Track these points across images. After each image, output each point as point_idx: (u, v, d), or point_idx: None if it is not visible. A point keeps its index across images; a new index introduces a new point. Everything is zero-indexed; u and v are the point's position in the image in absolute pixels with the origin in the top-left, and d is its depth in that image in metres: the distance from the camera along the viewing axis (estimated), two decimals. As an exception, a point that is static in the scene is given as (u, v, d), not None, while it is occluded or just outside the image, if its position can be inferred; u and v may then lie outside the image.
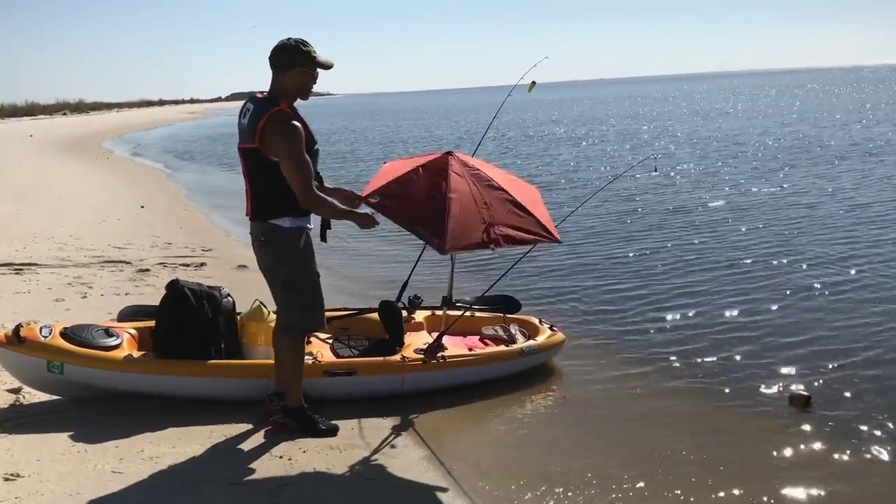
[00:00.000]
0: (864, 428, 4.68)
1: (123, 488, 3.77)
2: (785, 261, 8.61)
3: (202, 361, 4.79)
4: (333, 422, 4.60)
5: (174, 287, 4.94)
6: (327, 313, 4.77)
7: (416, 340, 5.34)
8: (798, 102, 47.48)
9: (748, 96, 63.38)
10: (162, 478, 3.91)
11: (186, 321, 4.83)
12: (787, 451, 4.43)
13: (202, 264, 8.86)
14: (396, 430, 4.66)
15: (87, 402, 4.76)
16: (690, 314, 6.95)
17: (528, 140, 28.39)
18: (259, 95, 4.31)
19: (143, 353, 4.85)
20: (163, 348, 4.86)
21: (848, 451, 4.41)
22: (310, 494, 3.86)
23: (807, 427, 4.72)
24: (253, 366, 4.89)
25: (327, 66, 4.35)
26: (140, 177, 19.98)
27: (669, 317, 6.90)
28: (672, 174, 16.53)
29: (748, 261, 8.71)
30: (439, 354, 5.14)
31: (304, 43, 4.26)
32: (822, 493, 4.01)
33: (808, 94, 59.81)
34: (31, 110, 70.07)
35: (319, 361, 4.96)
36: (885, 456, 4.35)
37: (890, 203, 11.82)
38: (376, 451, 4.37)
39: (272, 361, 4.75)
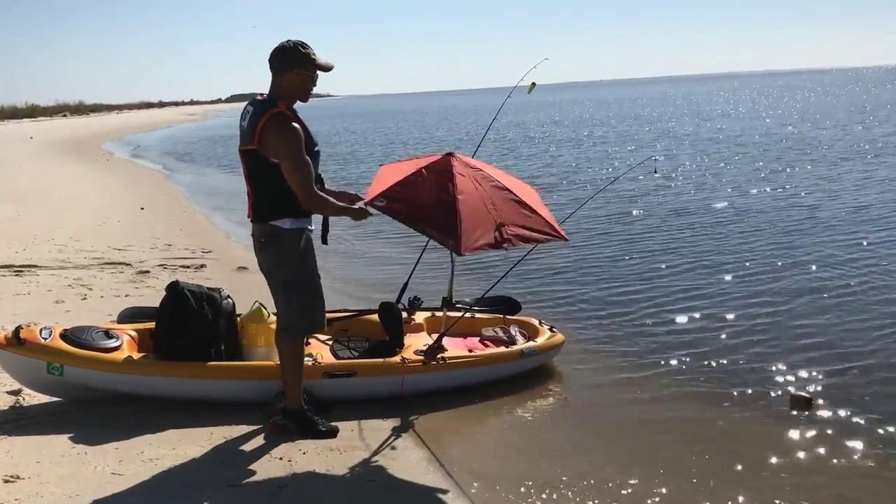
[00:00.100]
0: (866, 430, 4.67)
1: (123, 490, 3.77)
2: (787, 263, 8.59)
3: (202, 363, 4.79)
4: (333, 423, 4.60)
5: (174, 289, 4.94)
6: (327, 315, 4.77)
7: (416, 342, 5.34)
8: (799, 104, 47.48)
9: (749, 97, 63.39)
10: (162, 479, 3.91)
11: (186, 323, 4.83)
12: (789, 453, 4.42)
13: (202, 266, 8.86)
14: (396, 432, 4.66)
15: (86, 404, 4.76)
16: (691, 315, 6.94)
17: (528, 141, 28.40)
18: (259, 98, 4.33)
19: (143, 354, 4.85)
20: (163, 350, 4.86)
21: (849, 453, 4.40)
22: (310, 496, 3.86)
23: (808, 428, 4.72)
24: (253, 367, 4.89)
25: (327, 69, 4.36)
26: (140, 178, 19.99)
27: (670, 318, 6.90)
28: (673, 176, 16.52)
29: (749, 262, 8.70)
30: (439, 356, 5.14)
31: (303, 45, 4.26)
32: (823, 494, 4.00)
33: (809, 96, 59.84)
34: (32, 112, 70.17)
35: (319, 363, 4.96)
36: (886, 457, 4.34)
37: (893, 205, 11.78)
38: (376, 452, 4.37)
39: (272, 363, 4.76)
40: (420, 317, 5.81)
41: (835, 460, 4.34)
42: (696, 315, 6.95)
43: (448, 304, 5.65)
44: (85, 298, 7.25)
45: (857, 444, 4.49)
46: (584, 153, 22.91)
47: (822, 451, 4.45)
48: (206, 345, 4.87)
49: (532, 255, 6.71)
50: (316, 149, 4.37)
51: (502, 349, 5.56)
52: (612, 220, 11.85)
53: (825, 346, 6.05)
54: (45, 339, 4.60)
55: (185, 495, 3.77)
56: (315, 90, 4.45)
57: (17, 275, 8.13)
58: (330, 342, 5.43)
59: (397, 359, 5.09)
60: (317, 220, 4.53)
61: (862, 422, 4.77)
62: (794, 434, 4.66)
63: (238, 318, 5.14)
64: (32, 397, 4.84)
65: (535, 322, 6.02)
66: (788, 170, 16.57)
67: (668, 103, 60.69)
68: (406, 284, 5.97)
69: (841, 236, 9.84)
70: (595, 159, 20.95)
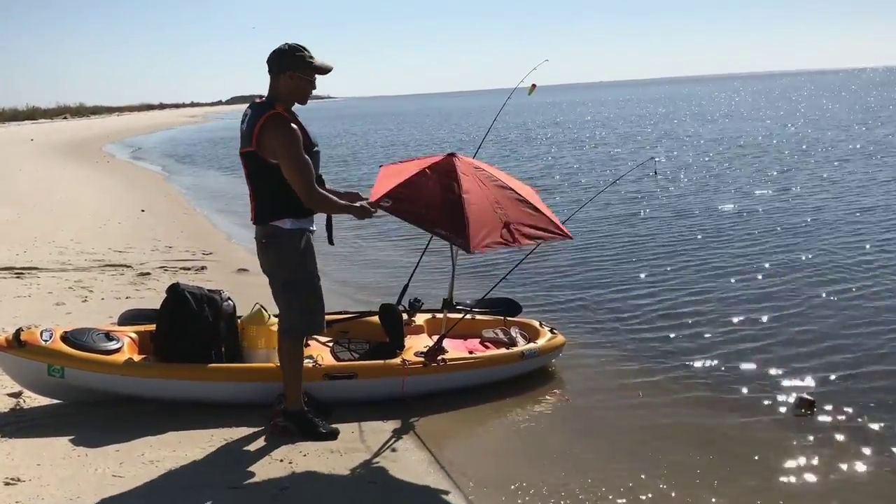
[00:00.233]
0: (870, 431, 4.67)
1: (124, 492, 3.77)
2: (790, 265, 8.57)
3: (203, 365, 4.79)
4: (334, 425, 4.60)
5: (174, 291, 4.94)
6: (327, 316, 4.77)
7: (417, 343, 5.34)
8: (800, 105, 47.45)
9: (750, 99, 63.37)
10: (162, 482, 3.91)
11: (187, 325, 4.83)
12: (792, 455, 4.41)
13: (203, 268, 8.86)
14: (397, 434, 4.66)
15: (87, 406, 4.75)
16: (692, 317, 6.93)
17: (529, 143, 28.43)
18: (258, 100, 4.35)
19: (143, 356, 4.85)
20: (163, 352, 4.86)
21: (853, 455, 4.40)
22: (310, 498, 3.86)
23: (811, 430, 4.71)
24: (253, 369, 4.88)
25: (324, 70, 4.36)
26: (141, 180, 20.01)
27: (671, 320, 6.89)
28: (675, 177, 16.50)
29: (752, 264, 8.69)
30: (440, 357, 5.14)
31: (298, 48, 4.29)
32: (825, 496, 4.00)
33: (810, 97, 59.81)
34: (32, 114, 70.22)
35: (320, 365, 4.96)
36: (890, 459, 4.34)
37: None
38: (377, 454, 4.37)
39: (273, 365, 4.77)
40: (420, 318, 5.81)
41: (838, 462, 4.33)
42: (698, 316, 6.94)
43: (448, 305, 5.65)
44: (85, 300, 7.25)
45: (861, 446, 4.49)
46: (585, 154, 22.92)
47: (825, 452, 4.44)
48: (207, 347, 4.87)
49: (532, 256, 6.72)
50: (315, 149, 4.39)
51: (503, 351, 5.56)
52: (613, 221, 11.85)
53: (828, 349, 6.04)
54: (46, 341, 4.60)
55: (186, 497, 3.77)
56: (315, 92, 4.47)
57: (17, 277, 8.13)
58: (330, 344, 5.43)
59: (398, 360, 5.09)
60: (320, 221, 4.54)
61: (866, 424, 4.77)
62: (797, 436, 4.66)
63: (239, 320, 5.14)
64: (33, 399, 4.84)
65: (536, 324, 6.02)
66: (790, 171, 16.56)
67: (669, 104, 60.71)
68: (406, 286, 5.98)
69: (844, 238, 9.80)
70: (597, 161, 20.94)
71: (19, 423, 4.53)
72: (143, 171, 23.46)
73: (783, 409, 5.03)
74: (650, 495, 3.99)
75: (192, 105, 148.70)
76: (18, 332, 4.62)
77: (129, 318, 5.37)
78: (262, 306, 5.09)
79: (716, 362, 5.86)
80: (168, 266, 8.90)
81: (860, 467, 4.27)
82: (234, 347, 5.03)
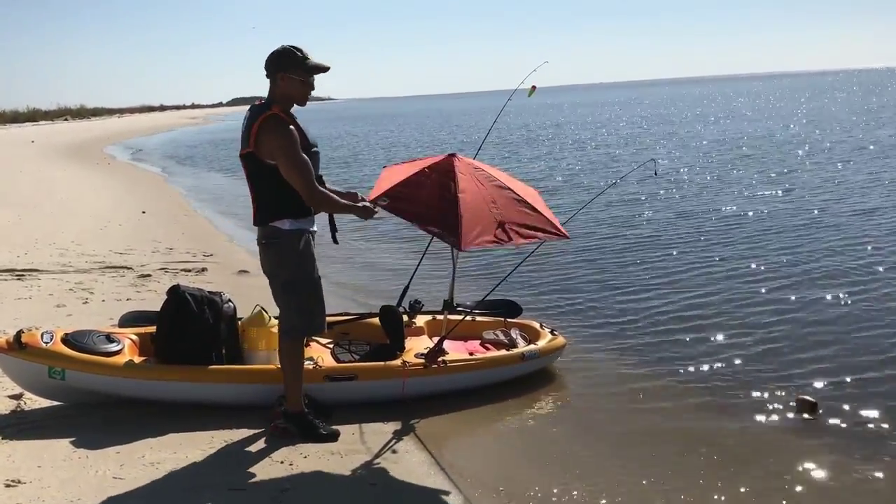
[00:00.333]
0: (873, 433, 4.67)
1: (124, 494, 3.77)
2: (792, 266, 8.55)
3: (203, 367, 4.79)
4: (334, 427, 4.61)
5: (175, 292, 4.94)
6: (328, 318, 4.78)
7: (417, 345, 5.34)
8: (801, 106, 47.43)
9: (751, 100, 63.34)
10: (163, 483, 3.91)
11: (187, 327, 4.83)
12: (794, 457, 4.40)
13: (203, 269, 8.87)
14: (397, 435, 4.66)
15: (88, 408, 4.76)
16: (694, 318, 6.93)
17: (530, 144, 28.44)
18: (258, 103, 4.36)
19: (144, 358, 4.85)
20: (164, 354, 4.86)
21: (855, 457, 4.39)
22: (311, 499, 3.86)
23: (813, 432, 4.71)
24: (254, 371, 4.89)
25: (317, 70, 4.35)
26: (141, 182, 20.01)
27: (672, 321, 6.89)
28: (677, 178, 16.49)
29: (755, 266, 8.67)
30: (440, 359, 5.14)
31: (291, 50, 4.30)
32: (827, 498, 4.00)
33: (811, 97, 59.78)
34: (33, 116, 70.26)
35: (320, 366, 4.96)
36: (890, 461, 4.33)
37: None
38: (377, 455, 4.37)
39: (273, 366, 4.77)
40: (421, 320, 5.81)
41: (841, 464, 4.32)
42: (700, 317, 6.94)
43: (449, 307, 5.66)
44: (86, 302, 7.25)
45: (864, 449, 4.48)
46: (587, 156, 22.91)
47: (827, 454, 4.44)
48: (207, 348, 4.87)
49: (533, 258, 6.72)
50: (314, 150, 4.40)
51: (503, 352, 5.56)
52: (614, 222, 11.84)
53: (831, 351, 6.02)
54: (47, 343, 4.61)
55: (187, 499, 3.78)
56: (315, 93, 4.48)
57: (18, 279, 8.14)
58: (331, 346, 5.43)
59: (398, 362, 5.09)
60: (322, 223, 4.55)
61: (869, 426, 4.77)
62: (799, 437, 4.66)
63: (239, 322, 5.14)
64: (34, 401, 4.84)
65: (536, 325, 6.02)
66: (793, 172, 16.52)
67: (670, 105, 60.72)
68: (407, 288, 5.98)
69: (847, 240, 9.75)
70: (598, 162, 20.92)
71: (20, 425, 4.53)
72: (144, 173, 23.47)
73: (786, 411, 5.02)
74: (651, 497, 3.99)
75: (193, 107, 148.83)
76: (19, 333, 4.63)
77: (129, 319, 5.38)
78: (263, 308, 5.10)
79: (717, 363, 5.85)
80: (169, 268, 8.90)
81: (862, 469, 4.26)
82: (234, 349, 5.03)
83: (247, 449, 4.36)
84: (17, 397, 4.88)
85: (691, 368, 5.80)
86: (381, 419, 4.85)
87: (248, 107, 4.47)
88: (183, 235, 11.31)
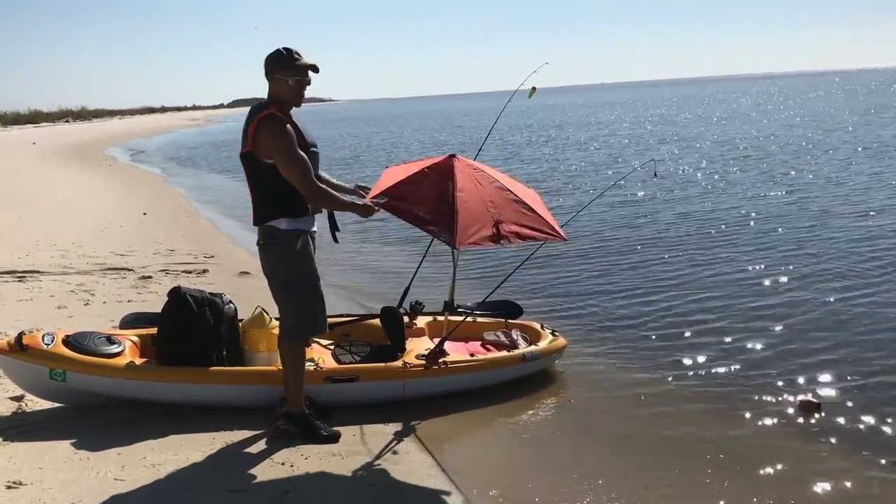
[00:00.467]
0: (875, 434, 4.66)
1: (125, 495, 3.78)
2: (797, 267, 8.51)
3: (204, 368, 4.80)
4: (335, 428, 4.61)
5: (176, 294, 4.95)
6: (329, 319, 4.78)
7: (418, 346, 5.34)
8: (803, 106, 47.41)
9: (752, 100, 63.31)
10: (164, 485, 3.92)
11: (188, 328, 4.83)
12: (796, 458, 4.39)
13: (204, 271, 8.87)
14: (398, 436, 4.66)
15: (89, 410, 4.76)
16: (695, 319, 6.92)
17: (531, 145, 28.44)
18: (257, 104, 4.40)
19: (145, 360, 4.85)
20: (165, 355, 4.87)
21: (857, 458, 4.38)
22: (311, 500, 3.86)
23: (816, 433, 4.70)
24: (254, 372, 4.89)
25: (305, 68, 4.35)
26: (143, 183, 20.03)
27: (674, 321, 6.88)
28: (679, 179, 16.47)
29: (756, 266, 8.66)
30: (441, 360, 5.14)
31: (282, 51, 4.35)
32: (827, 497, 4.00)
33: (812, 98, 59.77)
34: (34, 118, 70.36)
35: (321, 367, 4.96)
36: (892, 463, 4.33)
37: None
38: (378, 457, 4.37)
39: (274, 368, 4.78)
40: (422, 321, 5.81)
41: (843, 465, 4.31)
42: (701, 319, 6.93)
43: (450, 308, 5.66)
44: (87, 304, 7.26)
45: (866, 449, 4.47)
46: (588, 156, 22.89)
47: (829, 454, 4.44)
48: (208, 350, 4.88)
49: (533, 259, 6.72)
50: (312, 150, 4.42)
51: (504, 353, 5.56)
52: (615, 223, 11.83)
53: (833, 352, 6.00)
54: (48, 344, 4.61)
55: (187, 500, 3.78)
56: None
57: (19, 280, 8.15)
58: (332, 347, 5.44)
59: (399, 363, 5.09)
60: (322, 220, 4.55)
61: (872, 427, 4.75)
62: (801, 439, 4.65)
63: (240, 323, 5.15)
64: (35, 403, 4.85)
65: (537, 326, 6.02)
66: (795, 173, 16.48)
67: (672, 106, 60.69)
68: (408, 289, 5.98)
69: (850, 241, 9.70)
70: (600, 163, 20.89)
71: (21, 427, 4.54)
72: (145, 174, 23.49)
73: (788, 412, 5.01)
74: (652, 499, 3.99)
75: (194, 108, 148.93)
76: (20, 335, 4.63)
77: (130, 321, 5.38)
78: (264, 309, 5.10)
79: (718, 364, 5.85)
80: (170, 269, 8.91)
81: (864, 470, 4.26)
82: (235, 350, 5.04)
83: (248, 450, 4.36)
84: (19, 399, 4.89)
85: (692, 369, 5.80)
86: (382, 420, 4.85)
87: (248, 108, 4.50)
88: (184, 237, 11.32)
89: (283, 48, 4.37)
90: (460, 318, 5.67)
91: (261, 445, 4.42)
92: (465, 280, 7.73)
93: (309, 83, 4.39)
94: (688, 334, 6.55)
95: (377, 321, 5.60)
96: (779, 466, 4.31)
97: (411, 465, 4.33)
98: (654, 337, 6.54)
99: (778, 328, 6.60)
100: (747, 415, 5.01)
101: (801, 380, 5.50)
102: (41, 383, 4.64)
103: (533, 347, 5.65)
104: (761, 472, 4.25)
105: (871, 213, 11.47)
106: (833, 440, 4.62)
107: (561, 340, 5.89)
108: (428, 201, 4.85)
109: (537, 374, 5.67)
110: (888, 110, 36.76)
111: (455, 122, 55.74)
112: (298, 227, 4.36)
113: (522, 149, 26.83)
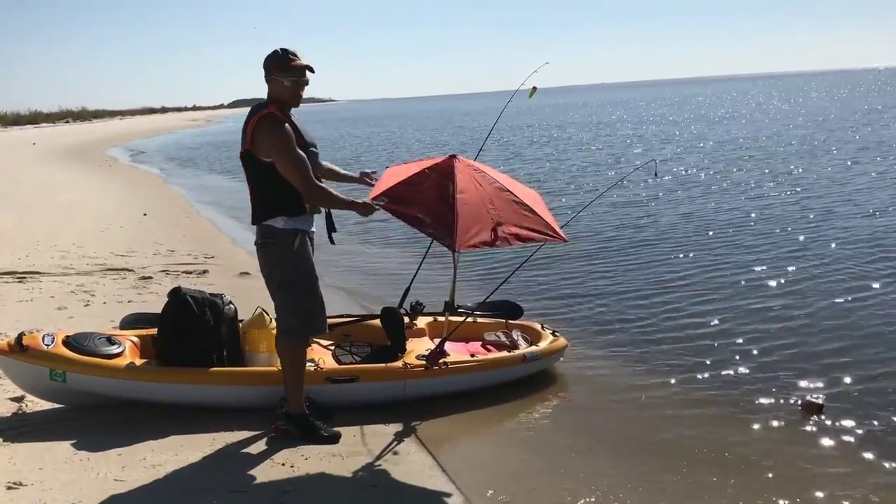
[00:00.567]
0: (878, 435, 4.65)
1: (125, 496, 3.78)
2: (796, 268, 8.48)
3: (204, 369, 4.79)
4: (335, 428, 4.60)
5: (176, 295, 4.95)
6: (329, 320, 4.77)
7: (418, 347, 5.34)
8: (804, 106, 47.38)
9: (753, 100, 63.29)
10: (164, 485, 3.92)
11: (188, 329, 4.83)
12: (798, 458, 4.39)
13: (205, 272, 8.87)
14: (399, 437, 4.66)
15: (89, 410, 4.76)
16: (697, 320, 6.91)
17: (532, 145, 28.45)
18: (258, 104, 4.41)
19: (145, 361, 4.85)
20: (165, 356, 4.86)
21: (861, 459, 4.38)
22: (312, 501, 3.86)
23: (819, 434, 4.69)
24: (255, 373, 4.89)
25: (300, 69, 4.36)
26: (143, 184, 20.03)
27: (675, 322, 6.87)
28: (680, 179, 16.45)
29: (759, 267, 8.64)
30: (441, 360, 5.14)
31: (277, 52, 4.36)
32: (829, 498, 3.99)
33: (813, 97, 59.74)
34: (35, 118, 70.40)
35: (321, 368, 4.96)
36: (893, 464, 4.32)
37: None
38: (379, 457, 4.37)
39: (274, 368, 4.78)
40: (422, 321, 5.81)
41: (845, 466, 4.31)
42: (702, 319, 6.91)
43: (450, 308, 5.65)
44: (87, 305, 7.26)
45: (868, 450, 4.46)
46: (590, 157, 22.88)
47: (832, 456, 4.43)
48: (208, 350, 4.88)
49: (534, 259, 6.71)
50: (312, 149, 4.43)
51: (504, 354, 5.56)
52: (616, 223, 11.81)
53: (836, 353, 5.99)
54: (48, 345, 4.61)
55: (188, 501, 3.78)
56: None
57: (19, 281, 8.15)
58: (332, 347, 5.43)
59: (399, 364, 5.09)
60: (320, 225, 4.55)
61: (874, 427, 4.74)
62: (804, 439, 4.64)
63: (240, 324, 5.14)
64: (35, 404, 4.85)
65: (538, 326, 6.01)
66: (797, 172, 16.47)
67: (673, 106, 60.68)
68: (408, 289, 5.98)
69: (853, 241, 9.67)
70: (602, 163, 20.86)
71: (21, 428, 4.54)
72: (146, 175, 23.49)
73: (790, 413, 5.00)
74: (653, 499, 3.98)
75: (195, 108, 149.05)
76: (20, 336, 4.63)
77: (130, 322, 5.38)
78: (264, 310, 5.10)
79: (719, 365, 5.83)
80: (170, 270, 8.91)
81: (867, 471, 4.25)
82: (235, 351, 5.03)
83: (248, 451, 4.36)
84: (19, 400, 4.89)
85: (693, 370, 5.79)
86: (383, 421, 4.85)
87: (248, 109, 4.51)
88: (184, 237, 11.32)
89: (280, 49, 4.39)
90: (461, 319, 5.66)
91: (261, 446, 4.42)
92: (465, 280, 7.73)
93: (306, 83, 4.40)
94: (689, 335, 6.54)
95: (377, 322, 5.59)
96: (781, 467, 4.30)
97: (412, 465, 4.32)
98: (655, 338, 6.53)
99: (780, 329, 6.58)
100: (749, 416, 4.99)
101: (803, 381, 5.49)
102: (41, 384, 4.64)
103: (533, 348, 5.65)
104: (763, 473, 4.24)
105: (876, 213, 11.45)
106: (836, 442, 4.61)
107: (562, 341, 5.89)
108: (428, 203, 4.85)
109: (538, 374, 5.67)
110: (890, 110, 36.75)
111: (456, 122, 55.74)
112: (296, 226, 4.36)
113: (524, 149, 26.83)
